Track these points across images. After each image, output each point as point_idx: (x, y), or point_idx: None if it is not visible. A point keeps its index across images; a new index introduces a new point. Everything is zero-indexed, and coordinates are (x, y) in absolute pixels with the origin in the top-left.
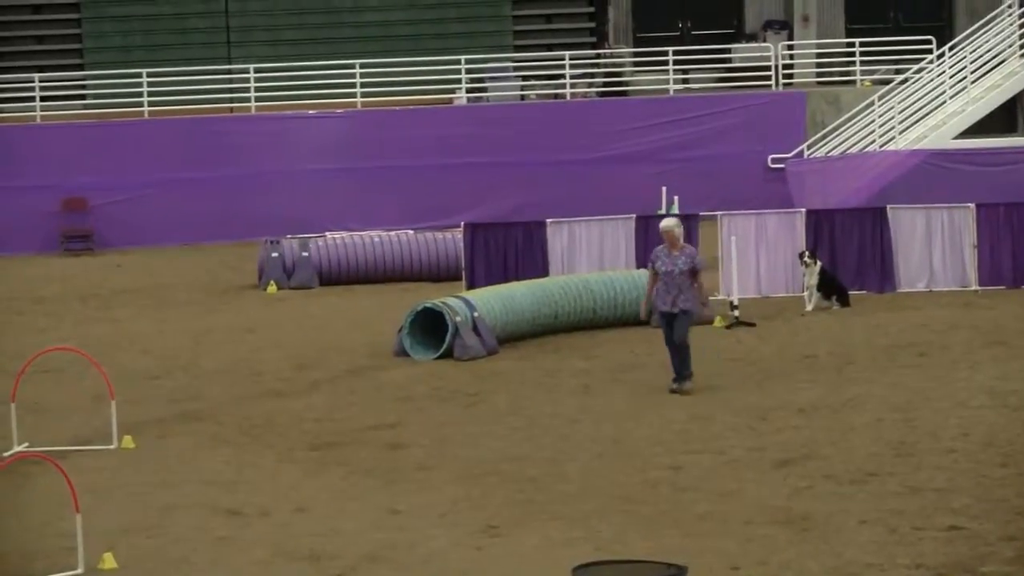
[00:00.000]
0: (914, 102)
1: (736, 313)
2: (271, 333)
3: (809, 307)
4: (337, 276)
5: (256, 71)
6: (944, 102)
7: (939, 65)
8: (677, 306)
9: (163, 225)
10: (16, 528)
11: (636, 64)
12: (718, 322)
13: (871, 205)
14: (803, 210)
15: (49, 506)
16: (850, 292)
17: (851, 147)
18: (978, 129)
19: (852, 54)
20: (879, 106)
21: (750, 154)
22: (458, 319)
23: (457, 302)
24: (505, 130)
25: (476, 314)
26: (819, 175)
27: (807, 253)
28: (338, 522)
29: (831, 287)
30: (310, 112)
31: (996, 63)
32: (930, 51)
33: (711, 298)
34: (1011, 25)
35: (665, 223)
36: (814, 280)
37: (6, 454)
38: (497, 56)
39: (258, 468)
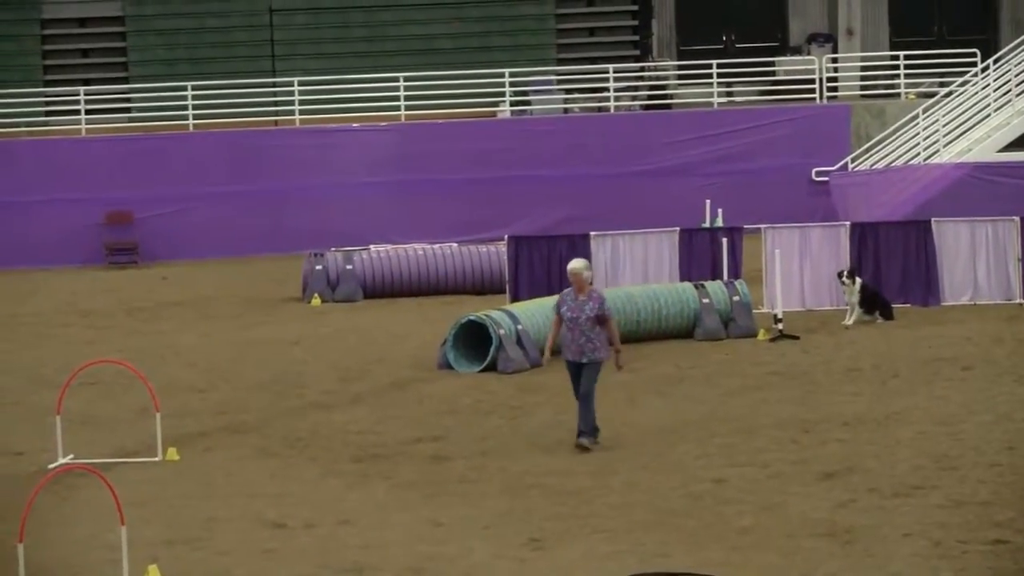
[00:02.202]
0: (958, 115)
1: (780, 326)
2: (315, 346)
3: (849, 321)
4: (381, 289)
5: (300, 84)
6: (988, 115)
7: (983, 78)
8: (585, 355)
9: (208, 238)
10: (61, 540)
11: (680, 77)
12: (762, 335)
13: (915, 218)
14: (847, 223)
15: (94, 518)
16: (894, 305)
17: (895, 160)
18: (1022, 142)
19: (896, 67)
20: (923, 119)
21: (794, 167)
22: (502, 332)
23: (501, 315)
24: (549, 143)
25: (520, 327)
26: (863, 188)
27: (845, 272)
28: (382, 534)
29: (873, 303)
30: (354, 125)
31: None
32: (974, 64)
33: (754, 311)
34: None
35: (573, 264)
36: (855, 298)
37: (52, 466)
38: (541, 69)
39: (302, 480)
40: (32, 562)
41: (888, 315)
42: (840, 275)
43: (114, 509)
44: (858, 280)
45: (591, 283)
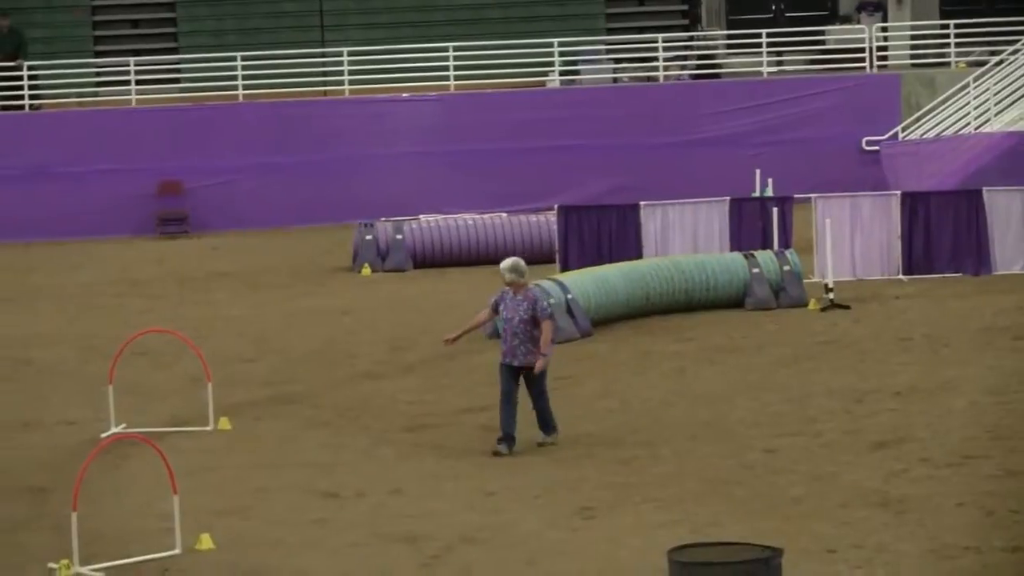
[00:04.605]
0: (1009, 84)
1: (831, 296)
2: (365, 316)
3: None
4: (431, 259)
5: (350, 54)
6: None
7: None
8: (517, 359)
9: (258, 208)
10: (114, 509)
11: (729, 46)
12: (812, 305)
13: (966, 187)
14: (898, 193)
15: (147, 487)
16: (945, 275)
17: (946, 129)
18: None
19: (947, 36)
20: (974, 88)
21: (844, 137)
22: (552, 301)
23: (551, 284)
24: (598, 113)
25: (570, 296)
26: (914, 158)
27: None
28: (433, 504)
29: None
30: (403, 95)
31: None
32: None
33: (805, 280)
34: None
35: (502, 264)
36: None
37: (104, 435)
38: (590, 39)
39: (353, 450)
40: (85, 530)
41: None
42: None
43: (166, 478)
44: None
45: (525, 284)
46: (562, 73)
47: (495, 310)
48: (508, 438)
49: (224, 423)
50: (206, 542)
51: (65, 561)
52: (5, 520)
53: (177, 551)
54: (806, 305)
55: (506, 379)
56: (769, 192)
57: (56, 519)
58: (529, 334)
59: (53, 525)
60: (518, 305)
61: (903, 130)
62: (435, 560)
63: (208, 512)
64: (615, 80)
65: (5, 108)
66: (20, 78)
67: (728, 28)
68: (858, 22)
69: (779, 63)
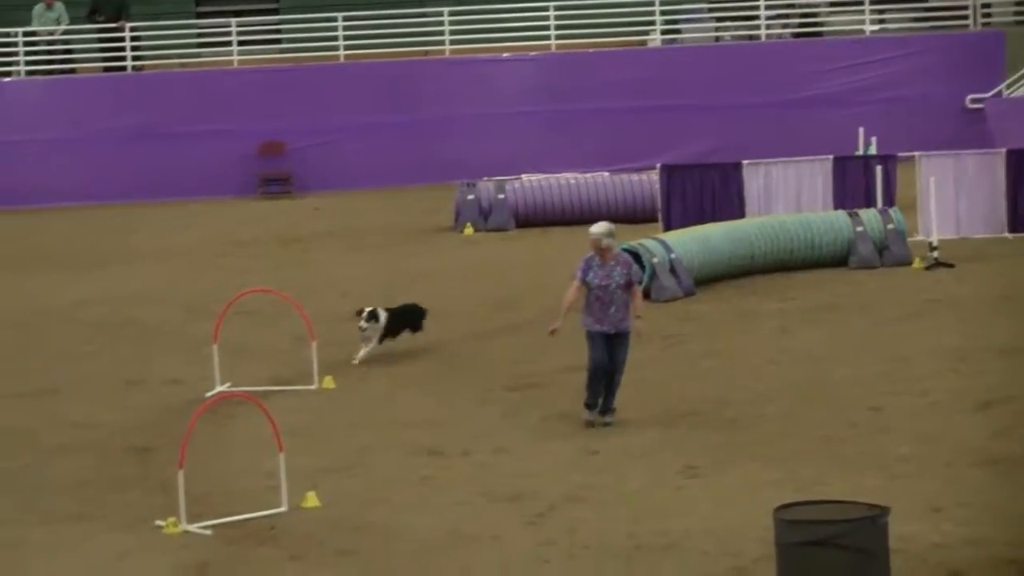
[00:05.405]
0: None
1: (935, 254)
2: (468, 275)
3: (361, 355)
4: (533, 218)
5: (450, 14)
6: None
7: None
8: (615, 326)
9: (359, 168)
10: (220, 467)
11: (831, 4)
12: (917, 263)
13: None
14: (1003, 150)
15: (252, 445)
16: None
17: None
18: None
19: None
20: None
21: (948, 94)
22: (655, 260)
23: (654, 243)
24: (699, 72)
25: (673, 255)
26: (1020, 115)
27: (366, 314)
28: (537, 462)
29: (401, 325)
30: (504, 55)
31: None
32: None
33: (909, 239)
34: None
35: (593, 229)
36: (377, 335)
37: (209, 394)
38: None
39: (457, 409)
40: (192, 489)
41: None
42: (359, 313)
43: (271, 437)
44: (383, 316)
45: (613, 248)
46: (663, 32)
47: (584, 281)
48: (596, 406)
49: (328, 382)
50: (311, 500)
51: (172, 519)
52: (112, 479)
53: (283, 509)
54: (910, 263)
55: (602, 348)
56: (872, 150)
57: (162, 478)
58: (623, 300)
59: (159, 484)
60: (611, 271)
61: (1007, 87)
62: (540, 519)
63: (313, 470)
64: (717, 39)
65: (108, 70)
66: (123, 39)
67: None
68: None
69: (881, 21)
